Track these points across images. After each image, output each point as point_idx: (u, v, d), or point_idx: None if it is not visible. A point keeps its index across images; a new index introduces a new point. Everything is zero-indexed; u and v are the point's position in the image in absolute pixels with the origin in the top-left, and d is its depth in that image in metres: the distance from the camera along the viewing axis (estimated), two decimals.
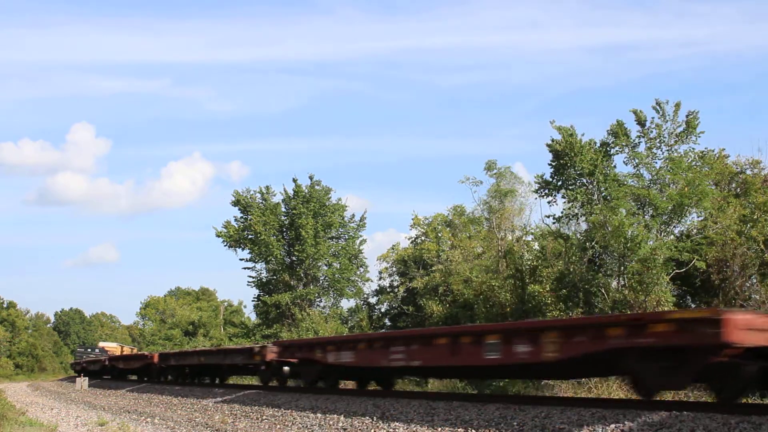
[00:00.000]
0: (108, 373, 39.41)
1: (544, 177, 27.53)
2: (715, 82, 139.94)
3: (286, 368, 19.02)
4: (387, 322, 40.68)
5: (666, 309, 21.39)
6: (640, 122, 26.00)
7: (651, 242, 22.79)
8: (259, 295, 41.31)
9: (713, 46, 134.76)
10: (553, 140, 26.57)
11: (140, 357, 32.65)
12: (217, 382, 26.45)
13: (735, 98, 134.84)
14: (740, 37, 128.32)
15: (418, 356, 13.26)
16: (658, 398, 14.50)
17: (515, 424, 9.81)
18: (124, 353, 55.83)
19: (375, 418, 11.76)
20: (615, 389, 16.03)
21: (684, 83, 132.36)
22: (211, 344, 49.57)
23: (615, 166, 26.43)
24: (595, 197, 25.61)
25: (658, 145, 25.70)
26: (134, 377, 35.33)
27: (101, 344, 71.41)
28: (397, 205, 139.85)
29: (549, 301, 25.45)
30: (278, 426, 12.74)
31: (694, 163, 25.26)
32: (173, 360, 27.89)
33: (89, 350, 67.88)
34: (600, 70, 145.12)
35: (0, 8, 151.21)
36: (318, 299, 40.61)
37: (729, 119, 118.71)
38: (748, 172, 26.22)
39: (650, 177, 25.48)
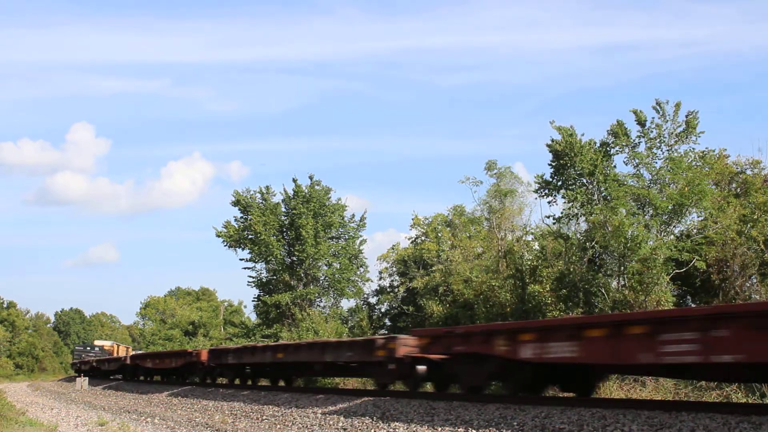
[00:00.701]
0: (122, 373, 37.18)
1: (544, 177, 27.55)
2: (715, 82, 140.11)
3: (421, 367, 14.60)
4: (387, 322, 40.69)
5: (666, 309, 21.42)
6: (640, 122, 26.00)
7: (651, 242, 22.80)
8: (259, 295, 41.31)
9: (713, 46, 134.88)
10: (553, 140, 26.58)
11: (180, 354, 27.77)
12: (281, 384, 22.42)
13: (735, 98, 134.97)
14: (740, 37, 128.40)
15: (733, 347, 8.40)
16: (659, 398, 14.48)
17: (515, 424, 9.81)
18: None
19: (375, 418, 11.76)
20: (615, 389, 16.02)
21: (684, 83, 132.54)
22: (211, 344, 49.47)
23: (615, 166, 26.45)
24: (595, 197, 25.61)
25: (658, 145, 25.71)
26: (152, 378, 32.18)
27: (96, 342, 68.93)
28: (397, 205, 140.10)
29: (549, 301, 25.46)
30: (278, 426, 12.75)
31: (694, 163, 25.27)
32: (232, 357, 23.14)
33: (89, 348, 63.80)
34: (600, 70, 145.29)
35: (0, 8, 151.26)
36: (318, 299, 40.59)
37: (729, 119, 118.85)
38: (748, 172, 26.24)
39: (650, 177, 25.49)
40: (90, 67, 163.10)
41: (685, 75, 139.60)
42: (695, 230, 24.68)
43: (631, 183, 25.55)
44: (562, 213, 26.83)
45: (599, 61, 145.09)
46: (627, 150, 26.06)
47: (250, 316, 59.25)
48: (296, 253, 38.93)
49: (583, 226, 25.91)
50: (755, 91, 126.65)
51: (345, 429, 11.49)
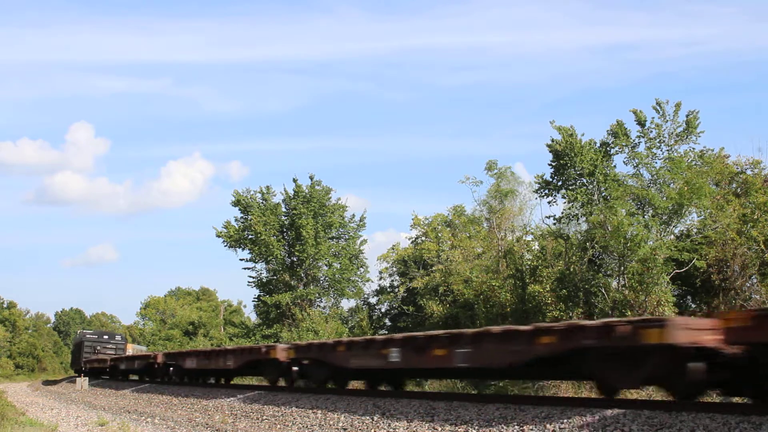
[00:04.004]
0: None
1: (545, 177, 27.56)
2: (716, 82, 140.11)
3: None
4: (387, 322, 40.69)
5: (667, 309, 21.42)
6: (640, 122, 26.03)
7: (651, 242, 22.80)
8: (259, 295, 41.30)
9: (715, 45, 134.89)
10: (553, 140, 26.60)
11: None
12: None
13: (736, 98, 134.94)
14: (742, 36, 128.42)
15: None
16: (661, 398, 14.49)
17: (515, 424, 9.81)
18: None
19: (375, 418, 11.76)
20: None
21: (685, 83, 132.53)
22: (211, 344, 49.45)
23: (615, 166, 26.47)
24: (595, 197, 25.62)
25: (658, 145, 25.72)
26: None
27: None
28: (397, 205, 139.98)
29: (549, 301, 25.46)
30: (278, 426, 12.75)
31: (694, 162, 25.27)
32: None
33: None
34: (602, 70, 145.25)
35: (0, 8, 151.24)
36: (318, 299, 40.59)
37: (729, 119, 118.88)
38: (748, 172, 26.23)
39: (650, 177, 25.50)
40: (90, 67, 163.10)
41: (686, 75, 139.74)
42: (695, 230, 24.68)
43: (631, 183, 25.56)
44: (562, 213, 26.85)
45: (600, 61, 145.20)
46: (627, 150, 26.08)
47: (250, 316, 59.30)
48: (296, 253, 38.93)
49: (584, 226, 25.92)
50: (756, 90, 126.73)
51: (345, 429, 11.49)
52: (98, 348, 44.39)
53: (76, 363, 45.41)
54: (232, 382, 24.54)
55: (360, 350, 14.66)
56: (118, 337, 47.09)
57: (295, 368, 17.83)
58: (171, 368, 26.53)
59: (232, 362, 20.78)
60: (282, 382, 19.55)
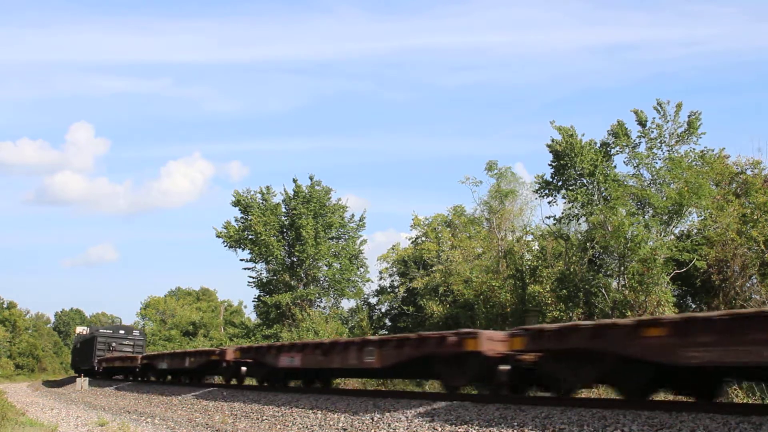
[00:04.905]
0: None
1: (545, 177, 27.56)
2: (716, 82, 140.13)
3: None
4: (387, 322, 40.70)
5: (667, 309, 21.43)
6: (641, 122, 26.03)
7: (651, 242, 22.80)
8: (259, 296, 41.31)
9: (716, 45, 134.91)
10: (553, 140, 26.60)
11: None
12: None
13: (736, 98, 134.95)
14: (742, 36, 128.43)
15: None
16: (659, 398, 14.52)
17: (515, 424, 9.80)
18: None
19: (375, 418, 11.76)
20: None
21: (687, 83, 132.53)
22: (211, 345, 49.45)
23: (615, 167, 26.48)
24: (596, 197, 25.62)
25: (659, 145, 25.72)
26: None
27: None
28: (397, 205, 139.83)
29: (549, 302, 25.47)
30: (278, 426, 12.75)
31: (694, 163, 25.28)
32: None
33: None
34: (602, 70, 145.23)
35: (0, 8, 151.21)
36: (318, 299, 40.60)
37: (732, 119, 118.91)
38: (748, 172, 26.23)
39: (650, 177, 25.51)
40: (90, 67, 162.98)
41: (686, 75, 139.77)
42: (695, 230, 24.69)
43: (631, 183, 25.57)
44: (562, 213, 26.86)
45: (600, 61, 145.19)
46: (627, 150, 26.08)
47: (251, 316, 59.30)
48: (296, 253, 38.94)
49: (584, 226, 25.93)
50: (756, 90, 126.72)
51: (345, 429, 11.49)
52: (114, 345, 38.88)
53: (86, 362, 39.87)
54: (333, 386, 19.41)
55: (721, 333, 8.39)
56: (136, 333, 41.33)
57: (503, 367, 12.18)
58: (243, 368, 21.30)
59: (375, 358, 14.86)
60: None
